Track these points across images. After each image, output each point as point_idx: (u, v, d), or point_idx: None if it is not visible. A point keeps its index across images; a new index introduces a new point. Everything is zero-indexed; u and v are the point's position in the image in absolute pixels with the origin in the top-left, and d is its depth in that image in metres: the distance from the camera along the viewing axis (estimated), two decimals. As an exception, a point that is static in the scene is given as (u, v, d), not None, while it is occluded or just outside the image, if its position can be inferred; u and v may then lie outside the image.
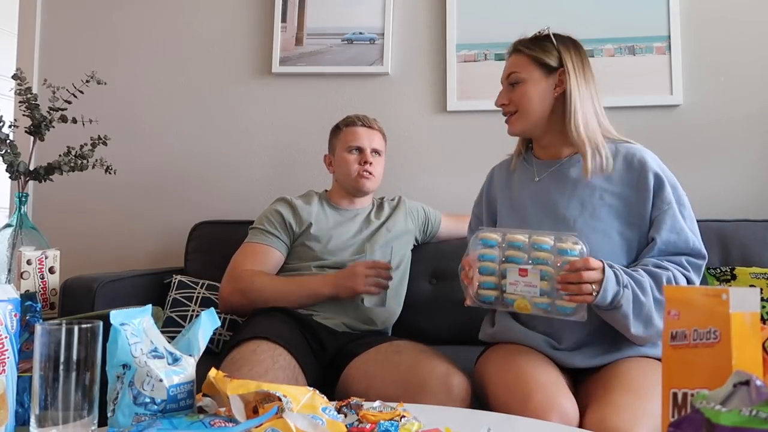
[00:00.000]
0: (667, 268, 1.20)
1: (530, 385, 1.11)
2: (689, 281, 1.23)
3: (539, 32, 1.37)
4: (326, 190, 1.87)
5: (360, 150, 1.75)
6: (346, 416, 0.83)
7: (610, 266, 1.16)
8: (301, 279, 1.63)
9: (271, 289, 1.61)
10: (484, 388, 1.24)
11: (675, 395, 0.60)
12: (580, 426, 1.06)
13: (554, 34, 1.36)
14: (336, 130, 1.84)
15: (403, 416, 0.82)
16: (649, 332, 1.18)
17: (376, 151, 1.77)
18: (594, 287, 1.12)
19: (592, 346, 1.26)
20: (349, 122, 1.80)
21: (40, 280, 1.57)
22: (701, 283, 1.32)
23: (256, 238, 1.71)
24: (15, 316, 0.77)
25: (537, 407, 1.05)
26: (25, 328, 0.89)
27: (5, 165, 1.73)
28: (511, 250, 1.20)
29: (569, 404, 1.08)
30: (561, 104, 1.32)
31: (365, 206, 1.82)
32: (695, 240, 1.25)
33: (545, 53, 1.34)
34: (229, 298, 1.62)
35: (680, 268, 1.21)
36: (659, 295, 1.18)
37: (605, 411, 1.04)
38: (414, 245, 1.87)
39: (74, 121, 1.82)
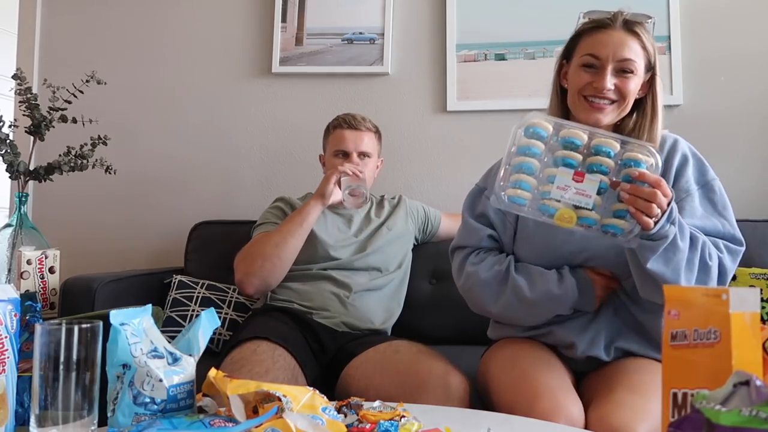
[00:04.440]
0: (699, 238, 1.10)
1: (537, 388, 1.09)
2: (722, 263, 1.12)
3: (644, 19, 1.22)
4: (325, 191, 1.87)
5: (345, 154, 1.75)
6: (346, 416, 0.83)
7: None
8: (291, 215, 1.68)
9: (274, 236, 1.62)
10: (488, 386, 1.23)
11: (675, 395, 0.60)
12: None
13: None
14: (326, 131, 1.84)
15: (403, 416, 0.82)
16: (667, 273, 1.06)
17: (363, 154, 1.75)
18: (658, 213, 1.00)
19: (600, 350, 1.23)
20: (336, 124, 1.80)
21: (40, 280, 1.57)
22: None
23: (262, 229, 1.71)
24: (15, 316, 0.77)
25: (543, 412, 1.04)
26: (25, 328, 0.89)
27: (5, 165, 1.73)
28: (564, 150, 1.02)
29: (576, 409, 1.06)
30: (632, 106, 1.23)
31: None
32: (727, 225, 1.17)
33: (653, 49, 1.21)
34: (245, 277, 1.61)
35: (715, 249, 1.12)
36: (693, 253, 1.07)
37: (607, 408, 1.04)
38: (414, 245, 1.87)
39: (74, 121, 1.82)
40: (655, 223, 1.00)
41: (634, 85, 1.19)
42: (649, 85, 1.23)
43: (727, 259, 1.13)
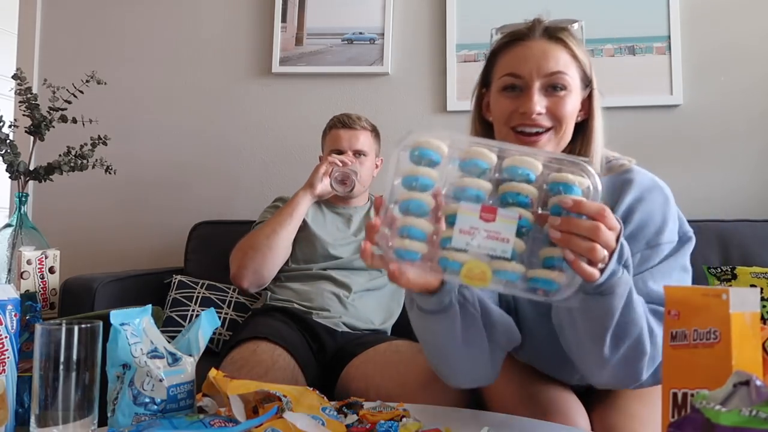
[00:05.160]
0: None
1: (544, 404, 1.02)
2: (651, 332, 0.84)
3: (568, 24, 1.01)
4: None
5: (341, 153, 1.75)
6: (345, 416, 0.83)
7: None
8: (281, 207, 1.71)
9: (264, 228, 1.65)
10: (484, 393, 1.15)
11: (675, 395, 0.60)
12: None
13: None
14: (323, 132, 1.86)
15: (403, 416, 0.83)
16: (617, 358, 0.81)
17: (358, 152, 1.76)
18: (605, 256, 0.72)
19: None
20: (332, 125, 1.81)
21: (40, 280, 1.57)
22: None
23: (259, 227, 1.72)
24: (15, 316, 0.78)
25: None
26: (25, 328, 0.89)
27: (5, 165, 1.73)
28: (465, 177, 0.72)
29: (583, 421, 1.01)
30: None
31: (362, 205, 1.83)
32: (657, 290, 0.89)
33: (587, 58, 0.98)
34: (239, 270, 1.63)
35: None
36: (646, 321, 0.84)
37: (615, 419, 1.00)
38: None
39: (74, 121, 1.82)
40: (602, 270, 0.73)
41: (571, 106, 0.95)
42: (589, 104, 0.99)
43: (656, 326, 0.86)
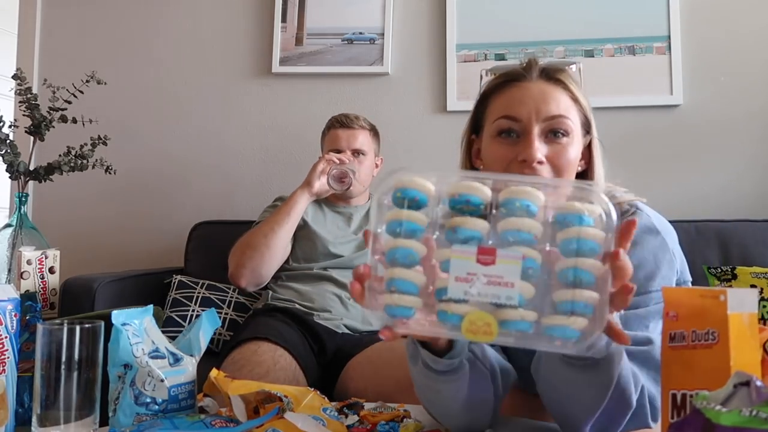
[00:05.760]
0: None
1: (541, 408, 0.98)
2: (637, 385, 0.77)
3: (566, 66, 0.94)
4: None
5: (339, 153, 1.76)
6: (346, 417, 0.83)
7: None
8: (279, 206, 1.71)
9: (262, 226, 1.65)
10: None
11: (674, 396, 0.61)
12: None
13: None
14: (322, 133, 1.87)
15: (404, 417, 0.83)
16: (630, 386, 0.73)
17: (357, 152, 1.77)
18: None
19: None
20: (330, 125, 1.83)
21: (40, 280, 1.57)
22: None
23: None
24: (15, 316, 0.78)
25: None
26: (25, 328, 0.89)
27: (5, 165, 1.73)
28: (456, 217, 0.62)
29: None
30: None
31: (362, 204, 1.84)
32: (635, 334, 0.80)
33: (587, 102, 0.91)
34: (236, 269, 1.64)
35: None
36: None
37: None
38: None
39: (74, 121, 1.82)
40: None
41: (573, 154, 0.87)
42: (589, 153, 0.92)
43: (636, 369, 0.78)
